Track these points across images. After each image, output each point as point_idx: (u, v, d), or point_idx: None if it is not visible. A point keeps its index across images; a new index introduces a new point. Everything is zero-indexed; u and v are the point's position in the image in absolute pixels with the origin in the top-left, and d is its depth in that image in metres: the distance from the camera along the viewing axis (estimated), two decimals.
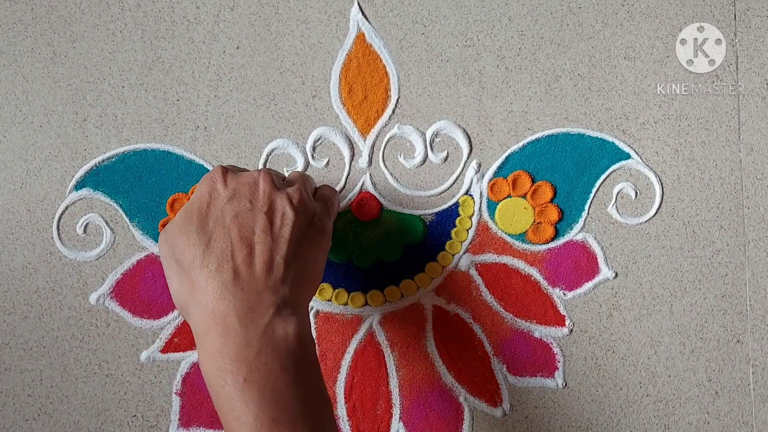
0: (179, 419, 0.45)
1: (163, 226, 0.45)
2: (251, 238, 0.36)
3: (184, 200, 0.45)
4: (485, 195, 0.46)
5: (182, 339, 0.45)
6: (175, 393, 0.45)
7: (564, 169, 0.46)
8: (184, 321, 0.45)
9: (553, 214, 0.46)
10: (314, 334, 0.46)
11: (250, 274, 0.35)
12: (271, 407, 0.32)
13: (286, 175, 0.41)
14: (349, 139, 0.46)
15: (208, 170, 0.46)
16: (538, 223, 0.46)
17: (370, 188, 0.46)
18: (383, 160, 0.46)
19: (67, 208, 0.45)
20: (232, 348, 0.33)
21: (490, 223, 0.46)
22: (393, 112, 0.46)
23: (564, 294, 0.46)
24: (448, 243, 0.46)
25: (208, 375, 0.34)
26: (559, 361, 0.46)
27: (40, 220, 0.45)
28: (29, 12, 0.46)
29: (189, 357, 0.45)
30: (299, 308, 0.36)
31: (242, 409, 0.32)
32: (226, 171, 0.38)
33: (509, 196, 0.46)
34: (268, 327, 0.34)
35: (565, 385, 0.46)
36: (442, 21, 0.46)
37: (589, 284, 0.46)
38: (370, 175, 0.46)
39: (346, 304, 0.46)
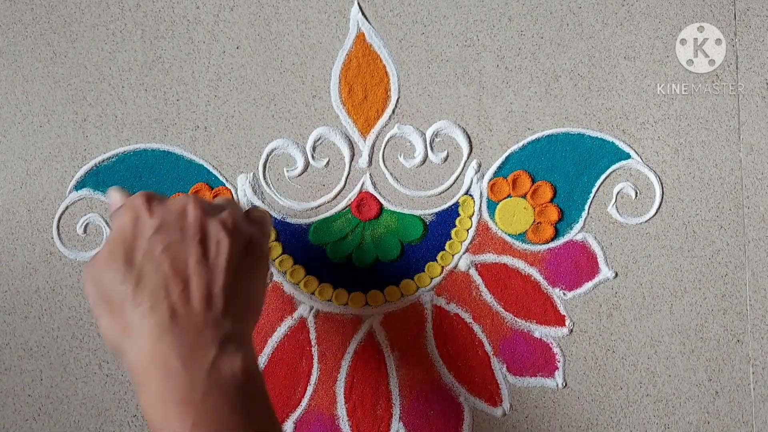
0: None
1: None
2: (185, 270, 0.33)
3: None
4: (485, 195, 0.46)
5: None
6: None
7: (564, 169, 0.46)
8: None
9: (553, 214, 0.46)
10: (314, 334, 0.46)
11: (187, 310, 0.32)
12: None
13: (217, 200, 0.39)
14: (349, 139, 0.46)
15: (208, 170, 0.46)
16: (538, 223, 0.46)
17: (370, 188, 0.46)
18: (383, 160, 0.46)
19: (67, 208, 0.45)
20: (177, 393, 0.30)
21: (490, 223, 0.46)
22: (393, 112, 0.46)
23: (564, 294, 0.46)
24: (448, 243, 0.46)
25: (152, 422, 0.31)
26: (559, 361, 0.46)
27: (40, 220, 0.45)
28: (29, 12, 0.46)
29: None
30: (243, 340, 0.33)
31: None
32: (151, 198, 0.35)
33: (509, 196, 0.46)
34: (212, 367, 0.31)
35: (565, 385, 0.46)
36: (442, 21, 0.46)
37: (589, 284, 0.46)
38: (370, 175, 0.46)
39: (346, 304, 0.46)
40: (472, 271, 0.46)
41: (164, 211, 0.34)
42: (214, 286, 0.33)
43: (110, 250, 0.33)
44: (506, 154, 0.46)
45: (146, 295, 0.32)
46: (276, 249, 0.46)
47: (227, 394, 0.31)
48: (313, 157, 0.46)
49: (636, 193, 0.47)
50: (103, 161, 0.45)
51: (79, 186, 0.45)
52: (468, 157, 0.46)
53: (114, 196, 0.37)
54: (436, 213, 0.46)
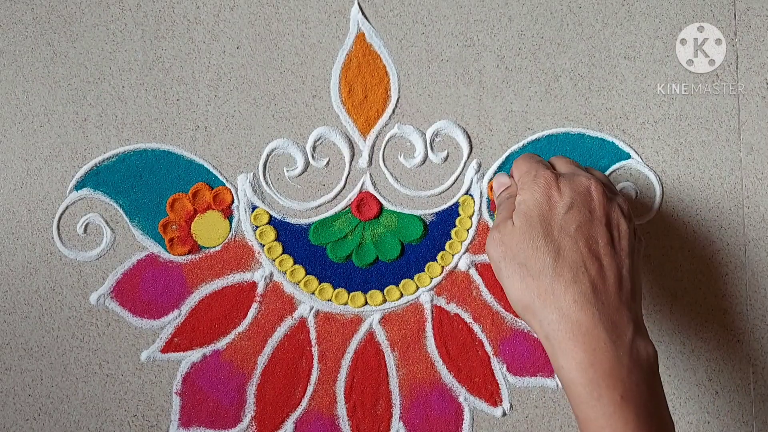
0: (179, 419, 0.45)
1: (164, 226, 0.45)
2: (597, 250, 0.35)
3: (184, 200, 0.45)
4: (485, 195, 0.46)
5: (182, 339, 0.45)
6: (176, 393, 0.45)
7: None
8: (184, 321, 0.45)
9: None
10: (314, 334, 0.46)
11: (605, 288, 0.34)
12: (648, 430, 0.33)
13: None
14: (349, 139, 0.46)
15: (208, 170, 0.46)
16: None
17: (370, 188, 0.46)
18: (383, 160, 0.46)
19: (67, 208, 0.45)
20: (605, 363, 0.33)
21: (491, 223, 0.46)
22: (393, 112, 0.46)
23: None
24: (448, 243, 0.46)
25: (574, 384, 0.33)
26: None
27: (40, 220, 0.45)
28: (29, 12, 0.46)
29: (189, 357, 0.45)
30: (643, 325, 0.36)
31: (621, 427, 0.32)
32: (557, 176, 0.37)
33: None
34: (632, 345, 0.34)
35: None
36: (442, 21, 0.46)
37: None
38: (370, 175, 0.46)
39: (346, 304, 0.46)
40: (473, 271, 0.46)
41: (571, 190, 0.37)
42: (622, 269, 0.36)
43: (528, 222, 0.36)
44: (506, 154, 0.46)
45: (567, 267, 0.35)
46: (276, 249, 0.46)
47: (645, 374, 0.33)
48: (313, 157, 0.46)
49: (636, 193, 0.47)
50: (103, 161, 0.45)
51: (79, 186, 0.45)
52: (468, 157, 0.46)
53: (503, 178, 0.42)
54: (436, 213, 0.46)
